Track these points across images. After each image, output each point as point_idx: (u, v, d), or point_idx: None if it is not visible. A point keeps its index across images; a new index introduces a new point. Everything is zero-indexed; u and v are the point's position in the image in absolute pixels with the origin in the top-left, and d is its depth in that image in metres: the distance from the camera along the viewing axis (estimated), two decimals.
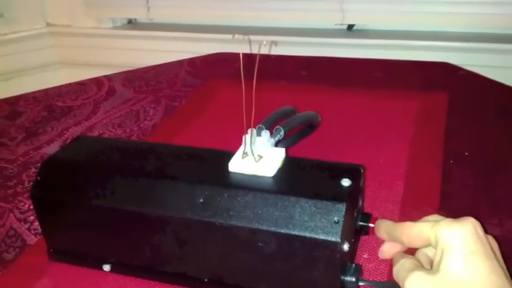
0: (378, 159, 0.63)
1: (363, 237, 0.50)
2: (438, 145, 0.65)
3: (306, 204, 0.41)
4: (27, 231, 0.57)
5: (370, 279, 0.46)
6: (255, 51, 0.43)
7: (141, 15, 1.48)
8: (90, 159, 0.51)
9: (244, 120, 0.44)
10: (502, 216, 0.53)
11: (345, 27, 1.33)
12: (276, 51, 1.04)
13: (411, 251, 0.43)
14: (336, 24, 1.33)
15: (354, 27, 1.33)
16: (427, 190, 0.57)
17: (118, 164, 0.49)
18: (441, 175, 0.59)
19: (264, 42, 0.38)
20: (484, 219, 0.52)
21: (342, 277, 0.42)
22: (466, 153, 0.64)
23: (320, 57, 1.01)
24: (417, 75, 0.89)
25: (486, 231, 0.38)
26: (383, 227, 0.44)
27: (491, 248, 0.37)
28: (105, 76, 0.99)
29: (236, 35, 0.38)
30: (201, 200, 0.43)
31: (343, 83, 0.88)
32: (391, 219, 0.52)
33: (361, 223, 0.47)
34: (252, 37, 1.33)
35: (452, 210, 0.54)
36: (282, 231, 0.41)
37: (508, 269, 0.39)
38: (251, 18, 1.39)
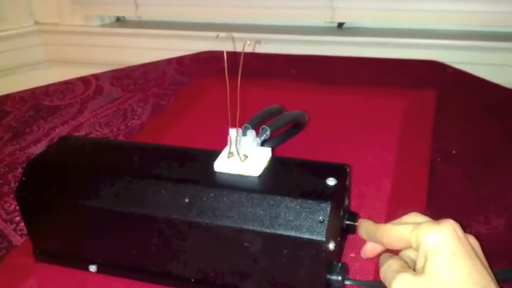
0: (366, 158, 0.63)
1: (350, 236, 0.50)
2: (426, 143, 0.65)
3: (291, 204, 0.41)
4: (13, 232, 0.57)
5: (357, 278, 0.46)
6: (241, 49, 0.43)
7: (129, 13, 1.47)
8: (76, 159, 0.50)
9: (229, 120, 0.43)
10: (488, 214, 0.54)
11: (335, 25, 1.34)
12: (266, 49, 1.03)
13: (394, 251, 0.43)
14: (325, 22, 1.33)
15: (344, 25, 1.33)
16: (414, 188, 0.57)
17: (103, 164, 0.49)
18: (428, 173, 0.60)
19: (248, 42, 0.38)
20: (470, 217, 0.53)
21: (328, 276, 0.42)
22: (454, 151, 0.64)
23: (309, 55, 1.01)
24: (406, 73, 0.90)
25: (464, 230, 0.39)
26: (364, 228, 0.44)
27: (472, 248, 0.38)
28: (93, 75, 0.98)
29: (220, 34, 0.38)
30: (187, 200, 0.43)
31: (332, 81, 0.88)
32: (378, 217, 0.53)
33: (347, 222, 0.47)
34: (242, 35, 1.33)
35: (439, 208, 0.54)
36: (268, 230, 0.41)
37: (491, 266, 0.39)
38: (241, 15, 1.39)
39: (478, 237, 0.40)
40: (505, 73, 1.17)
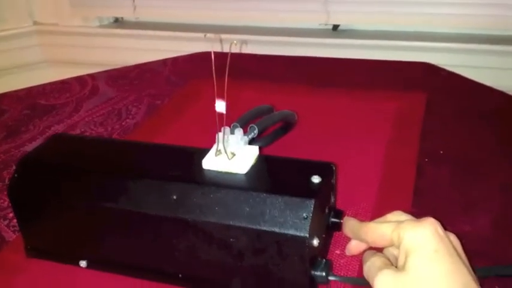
0: (354, 158, 0.64)
1: (336, 234, 0.51)
2: (414, 144, 0.66)
3: (276, 201, 0.42)
4: (6, 228, 0.57)
5: (342, 274, 0.47)
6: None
7: (127, 14, 1.48)
8: (67, 157, 0.51)
9: (217, 118, 0.44)
10: (473, 214, 0.54)
11: (331, 27, 1.35)
12: (262, 50, 1.04)
13: (378, 249, 0.44)
14: (320, 25, 1.34)
15: (339, 28, 1.34)
16: (400, 188, 0.58)
17: (93, 162, 0.50)
18: (415, 173, 0.60)
19: (235, 42, 0.39)
20: (455, 217, 0.54)
21: (312, 272, 0.43)
22: (441, 152, 0.65)
23: (303, 57, 1.02)
24: (398, 75, 0.90)
25: (446, 229, 0.39)
26: (349, 226, 0.45)
27: (453, 246, 0.38)
28: (89, 75, 0.99)
29: (208, 34, 0.39)
30: (174, 197, 0.44)
31: (324, 82, 0.88)
32: (364, 216, 0.54)
33: (333, 220, 0.48)
34: (239, 36, 1.34)
35: (426, 208, 0.55)
36: (253, 227, 0.42)
37: (476, 264, 0.40)
38: (237, 18, 1.40)
39: (463, 236, 0.41)
40: (499, 76, 1.18)
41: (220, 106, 0.44)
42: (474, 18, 1.20)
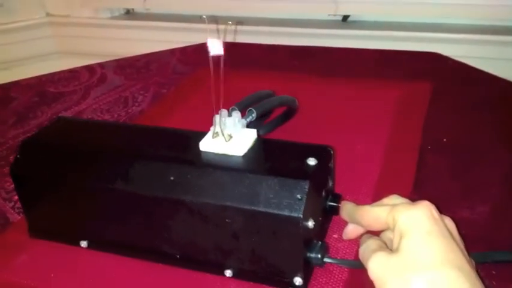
0: (356, 145, 0.63)
1: (335, 218, 0.51)
2: (417, 132, 0.66)
3: (272, 182, 0.42)
4: (11, 209, 0.58)
5: (338, 257, 0.47)
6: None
7: (138, 5, 1.49)
8: (68, 139, 0.52)
9: (214, 101, 0.45)
10: (473, 201, 0.54)
11: (340, 18, 1.34)
12: (271, 41, 1.05)
13: (375, 233, 0.44)
14: (329, 15, 1.34)
15: (349, 18, 1.33)
16: (402, 174, 0.58)
17: (94, 143, 0.51)
18: (417, 160, 0.60)
19: (230, 22, 0.39)
20: (455, 204, 0.53)
21: (308, 254, 0.43)
22: (444, 140, 0.65)
23: (312, 46, 1.01)
24: (405, 65, 0.90)
25: (441, 212, 0.39)
26: (345, 210, 0.45)
27: (448, 229, 0.38)
28: (98, 63, 1.00)
29: (204, 16, 0.39)
30: (172, 178, 0.44)
31: (331, 72, 0.88)
32: (363, 201, 0.53)
33: (331, 203, 0.48)
34: (249, 28, 1.33)
35: (426, 195, 0.54)
36: (249, 207, 0.42)
37: (474, 249, 0.40)
38: (249, 9, 1.40)
39: (462, 222, 0.41)
40: (508, 67, 1.17)
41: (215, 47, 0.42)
42: (485, 8, 1.19)
